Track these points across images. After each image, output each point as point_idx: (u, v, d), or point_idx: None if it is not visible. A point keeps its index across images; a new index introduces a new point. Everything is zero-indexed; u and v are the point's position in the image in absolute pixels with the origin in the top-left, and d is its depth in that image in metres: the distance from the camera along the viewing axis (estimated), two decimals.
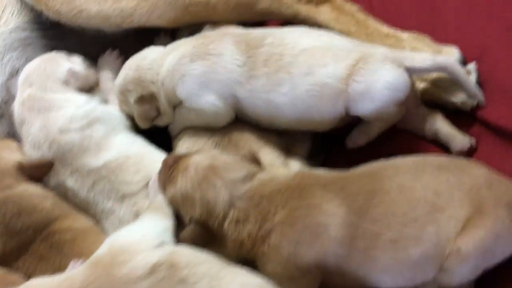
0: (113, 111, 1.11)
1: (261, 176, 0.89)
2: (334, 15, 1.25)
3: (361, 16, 1.24)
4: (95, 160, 1.02)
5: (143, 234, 0.84)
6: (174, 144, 1.12)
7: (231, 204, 0.85)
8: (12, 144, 1.06)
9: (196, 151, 0.95)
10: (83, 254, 0.92)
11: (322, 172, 0.91)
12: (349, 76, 0.97)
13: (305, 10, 1.26)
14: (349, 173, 0.89)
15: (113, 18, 1.13)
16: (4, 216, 0.95)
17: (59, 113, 1.05)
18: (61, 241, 0.96)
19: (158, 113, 1.09)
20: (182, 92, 1.04)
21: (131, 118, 1.12)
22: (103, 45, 1.20)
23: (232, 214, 0.85)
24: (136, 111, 1.08)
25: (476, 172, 0.85)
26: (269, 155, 1.00)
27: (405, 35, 1.19)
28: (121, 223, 0.99)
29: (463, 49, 1.15)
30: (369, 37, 1.21)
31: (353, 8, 1.26)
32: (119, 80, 1.11)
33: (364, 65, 0.98)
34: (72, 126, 1.04)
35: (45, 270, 0.93)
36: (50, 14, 1.14)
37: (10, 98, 1.13)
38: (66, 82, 1.09)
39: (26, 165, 0.99)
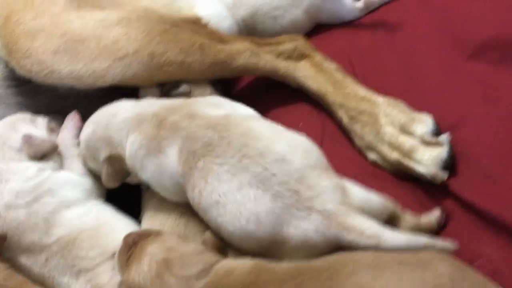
0: (68, 178, 1.09)
1: (218, 269, 0.86)
2: (312, 72, 1.24)
3: (339, 75, 1.23)
4: (45, 237, 1.00)
5: None
6: (143, 203, 1.10)
7: None
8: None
9: (155, 236, 0.92)
10: None
11: (279, 266, 0.86)
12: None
13: (284, 66, 1.26)
14: (309, 266, 0.87)
15: (85, 78, 1.13)
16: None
17: (6, 187, 1.03)
18: None
19: (128, 173, 1.07)
20: (143, 176, 1.03)
21: (96, 176, 1.10)
22: (77, 98, 1.19)
23: None
24: (104, 170, 1.07)
25: (440, 269, 0.83)
26: None
27: (380, 100, 1.17)
28: None
29: (439, 115, 1.14)
30: (345, 98, 1.20)
31: (332, 66, 1.25)
32: (86, 135, 1.09)
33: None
34: (19, 202, 1.02)
35: None
36: (22, 72, 1.13)
37: None
38: (19, 150, 1.08)
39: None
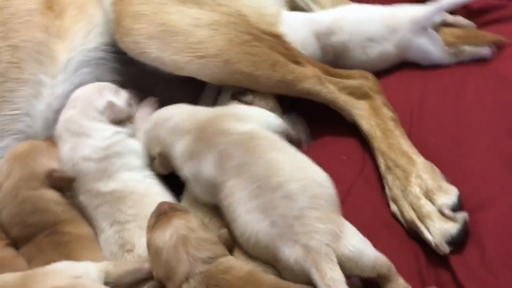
0: (136, 148, 1.28)
1: (220, 263, 1.01)
2: (368, 114, 1.32)
3: (391, 125, 1.30)
4: (103, 187, 1.22)
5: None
6: (185, 190, 1.27)
7: (187, 278, 0.99)
8: (54, 150, 1.27)
9: (184, 213, 1.08)
10: (71, 256, 1.13)
11: (269, 278, 1.00)
12: None
13: (343, 100, 1.34)
14: (286, 285, 1.00)
15: (167, 65, 1.29)
16: (22, 210, 1.18)
17: (88, 141, 1.24)
18: (59, 241, 1.16)
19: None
20: (185, 175, 1.19)
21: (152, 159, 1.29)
22: (161, 78, 1.37)
23: (186, 286, 0.99)
24: (156, 160, 1.26)
25: None
26: None
27: (419, 160, 1.23)
28: (107, 243, 1.19)
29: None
30: (389, 148, 1.27)
31: (388, 114, 1.32)
32: (145, 129, 1.28)
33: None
34: (93, 156, 1.23)
35: (40, 261, 1.14)
36: (120, 46, 1.32)
37: None
38: (102, 113, 1.28)
39: (53, 175, 1.20)
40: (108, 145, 1.26)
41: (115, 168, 1.24)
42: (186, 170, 1.18)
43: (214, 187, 1.12)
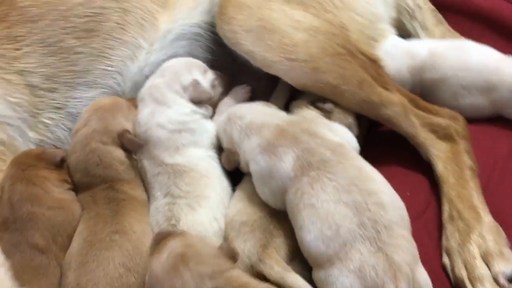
0: (209, 129, 1.31)
1: (231, 278, 0.98)
2: (446, 157, 1.26)
3: (468, 174, 1.23)
4: (168, 157, 1.25)
5: None
6: (240, 183, 1.29)
7: None
8: (133, 112, 1.32)
9: (179, 235, 1.06)
10: (120, 214, 1.18)
11: None
12: None
13: (424, 137, 1.29)
14: None
15: (257, 61, 1.31)
16: (89, 160, 1.24)
17: (166, 111, 1.28)
18: (113, 197, 1.22)
19: (238, 164, 1.25)
20: (251, 168, 1.20)
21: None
22: (252, 71, 1.38)
23: None
24: (223, 154, 1.28)
25: None
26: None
27: (486, 219, 1.16)
28: (156, 212, 1.22)
29: None
30: (458, 198, 1.21)
31: (467, 162, 1.25)
32: (219, 121, 1.30)
33: None
34: (167, 126, 1.27)
35: (92, 211, 1.21)
36: (218, 31, 1.36)
37: None
38: (185, 89, 1.32)
39: (125, 136, 1.26)
40: (184, 120, 1.29)
41: (184, 142, 1.27)
42: (254, 164, 1.19)
43: (285, 182, 1.12)
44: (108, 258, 1.13)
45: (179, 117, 1.29)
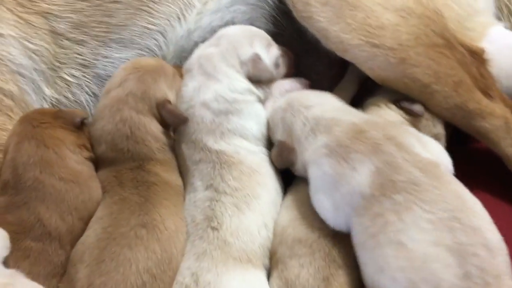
0: (261, 114, 1.08)
1: None
2: None
3: None
4: (213, 142, 1.02)
5: None
6: (292, 186, 1.06)
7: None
8: (178, 81, 1.09)
9: None
10: (150, 201, 0.96)
11: None
12: None
13: None
14: None
15: (330, 41, 1.08)
16: (118, 130, 1.01)
17: (214, 85, 1.05)
18: (143, 180, 0.99)
19: (292, 163, 1.03)
20: (310, 171, 0.97)
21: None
22: (320, 54, 1.16)
23: None
24: (274, 148, 1.04)
25: None
26: None
27: None
28: (193, 206, 1.00)
29: None
30: None
31: None
32: (275, 107, 1.06)
33: None
34: (213, 105, 1.04)
35: (116, 194, 0.98)
36: (288, 2, 1.13)
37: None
38: (243, 64, 1.08)
39: (167, 106, 1.03)
40: (234, 99, 1.05)
41: (230, 127, 1.04)
42: (315, 168, 0.96)
43: (356, 198, 0.90)
44: (130, 259, 0.90)
45: (229, 95, 1.05)
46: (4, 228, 0.90)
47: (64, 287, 0.91)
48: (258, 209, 0.99)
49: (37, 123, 0.99)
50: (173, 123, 1.04)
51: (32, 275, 0.89)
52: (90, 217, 0.97)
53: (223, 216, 0.96)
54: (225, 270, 0.92)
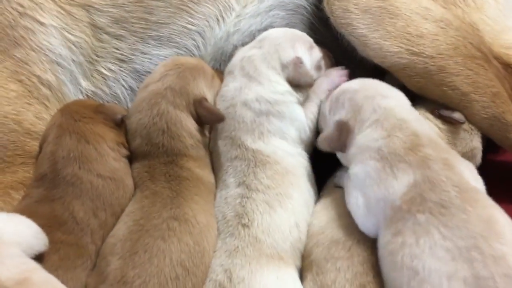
0: (300, 118, 1.07)
1: None
2: None
3: None
4: (251, 142, 1.02)
5: None
6: (326, 188, 1.06)
7: None
8: (216, 83, 1.09)
9: None
10: (182, 196, 0.94)
11: None
12: None
13: None
14: None
15: (370, 49, 1.08)
16: (154, 125, 1.00)
17: (256, 87, 1.05)
18: (175, 175, 0.97)
19: (344, 147, 0.99)
20: (353, 165, 0.96)
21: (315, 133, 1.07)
22: (360, 61, 1.15)
23: None
24: (328, 130, 1.02)
25: None
26: None
27: None
28: (224, 202, 0.98)
29: None
30: None
31: None
32: (348, 87, 1.04)
33: None
34: (254, 105, 1.03)
35: (147, 189, 0.96)
36: (325, 7, 1.13)
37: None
38: (284, 67, 1.07)
39: (204, 104, 1.02)
40: (275, 100, 1.05)
41: (270, 128, 1.03)
42: (360, 167, 0.94)
43: (386, 206, 0.87)
44: (164, 251, 0.88)
45: (270, 95, 1.05)
46: (34, 220, 0.87)
47: (93, 281, 0.89)
48: (290, 208, 0.97)
49: (79, 117, 0.98)
50: (210, 120, 1.03)
51: (62, 270, 0.87)
52: (122, 213, 0.96)
53: (254, 213, 0.95)
54: (259, 267, 0.90)
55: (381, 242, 0.87)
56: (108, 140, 0.98)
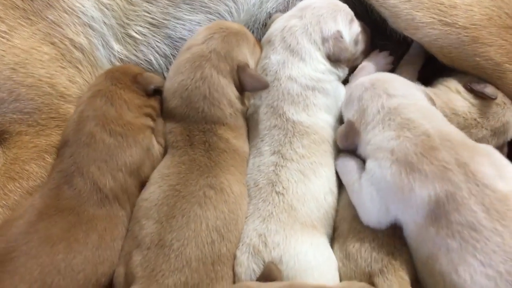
0: (342, 94, 1.06)
1: None
2: None
3: None
4: (293, 113, 1.01)
5: None
6: None
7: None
8: (258, 51, 1.08)
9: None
10: (219, 167, 0.95)
11: None
12: None
13: None
14: None
15: (401, 20, 1.08)
16: (196, 88, 0.98)
17: (299, 64, 1.04)
18: (214, 146, 0.97)
19: (355, 146, 1.00)
20: (368, 168, 0.94)
21: None
22: (390, 34, 1.14)
23: None
24: (341, 126, 1.02)
25: None
26: None
27: None
28: (257, 170, 0.99)
29: None
30: None
31: None
32: (358, 83, 1.03)
33: None
34: (300, 80, 1.03)
35: (185, 154, 0.97)
36: None
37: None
38: (324, 41, 1.06)
39: (247, 70, 1.01)
40: (319, 78, 1.04)
41: (316, 102, 1.03)
42: (376, 166, 0.92)
43: (410, 220, 0.88)
44: (201, 216, 0.89)
45: (313, 75, 1.04)
46: (61, 204, 0.89)
47: (127, 245, 0.90)
48: (324, 175, 0.98)
49: (115, 82, 0.98)
50: (254, 87, 1.02)
51: (104, 246, 0.89)
52: (139, 171, 0.96)
53: (288, 181, 0.95)
54: (293, 233, 0.91)
55: (417, 256, 0.88)
56: (131, 104, 0.98)
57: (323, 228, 0.96)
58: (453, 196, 0.84)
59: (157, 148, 1.00)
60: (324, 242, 0.95)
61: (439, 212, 0.84)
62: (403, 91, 0.98)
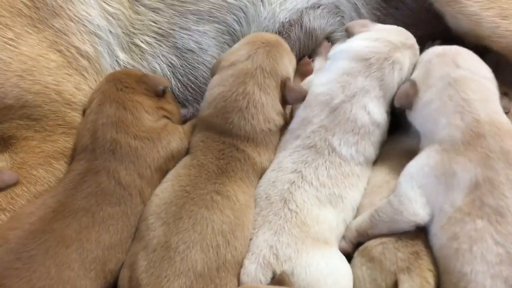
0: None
1: None
2: None
3: None
4: (338, 144, 0.98)
5: None
6: None
7: None
8: (292, 57, 1.08)
9: None
10: (225, 176, 0.94)
11: None
12: None
13: None
14: None
15: (483, 28, 1.05)
16: (235, 102, 0.98)
17: (379, 99, 1.01)
18: (228, 154, 0.97)
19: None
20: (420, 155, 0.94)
21: None
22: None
23: None
24: (406, 84, 1.01)
25: None
26: None
27: None
28: (271, 185, 0.97)
29: None
30: None
31: None
32: (434, 48, 1.02)
33: None
34: (373, 113, 1.01)
35: (196, 158, 0.97)
36: None
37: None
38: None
39: (289, 84, 1.01)
40: (385, 119, 1.02)
41: (374, 140, 1.01)
42: (424, 155, 0.93)
43: (448, 201, 0.88)
44: (207, 219, 0.88)
45: (384, 113, 1.02)
46: (80, 195, 0.90)
47: (134, 247, 0.90)
48: (340, 207, 0.96)
49: (121, 86, 0.99)
50: (295, 100, 1.02)
51: (113, 247, 0.89)
52: (166, 165, 0.98)
53: (304, 203, 0.93)
54: (305, 248, 0.89)
55: (435, 243, 0.88)
56: (146, 106, 0.99)
57: (337, 242, 0.94)
58: (490, 180, 0.86)
59: (179, 144, 1.01)
60: (337, 251, 0.93)
61: (476, 195, 0.85)
62: (472, 66, 0.98)
